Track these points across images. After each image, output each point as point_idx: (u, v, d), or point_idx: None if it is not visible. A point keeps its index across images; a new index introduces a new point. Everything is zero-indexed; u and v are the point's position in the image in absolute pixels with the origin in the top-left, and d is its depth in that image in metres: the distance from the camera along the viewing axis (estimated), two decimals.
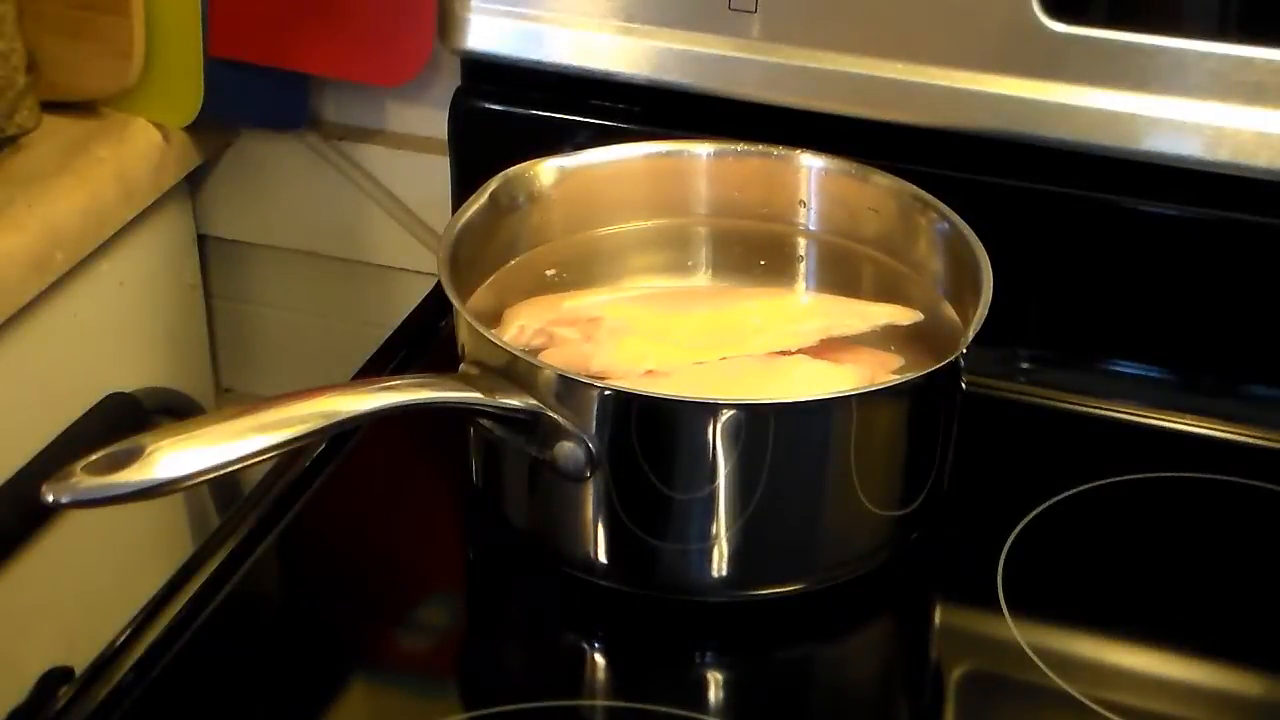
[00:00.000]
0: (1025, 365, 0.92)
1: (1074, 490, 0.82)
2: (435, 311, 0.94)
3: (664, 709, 0.71)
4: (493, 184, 0.84)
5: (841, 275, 0.86)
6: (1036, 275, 0.91)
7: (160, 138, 1.05)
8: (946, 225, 0.82)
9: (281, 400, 0.69)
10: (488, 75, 0.98)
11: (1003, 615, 0.75)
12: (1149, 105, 0.86)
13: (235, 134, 1.13)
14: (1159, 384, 0.91)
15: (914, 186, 0.84)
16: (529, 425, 0.72)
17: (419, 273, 1.11)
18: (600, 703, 0.74)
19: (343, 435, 0.83)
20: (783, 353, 0.78)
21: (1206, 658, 0.76)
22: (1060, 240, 0.91)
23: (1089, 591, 0.78)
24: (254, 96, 1.07)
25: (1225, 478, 0.83)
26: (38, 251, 0.96)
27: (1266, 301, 0.88)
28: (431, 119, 1.06)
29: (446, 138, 1.00)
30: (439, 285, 0.77)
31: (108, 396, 1.02)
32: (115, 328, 1.07)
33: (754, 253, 0.87)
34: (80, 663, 0.72)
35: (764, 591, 0.76)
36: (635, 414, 0.72)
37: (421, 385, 0.73)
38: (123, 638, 0.73)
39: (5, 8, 0.96)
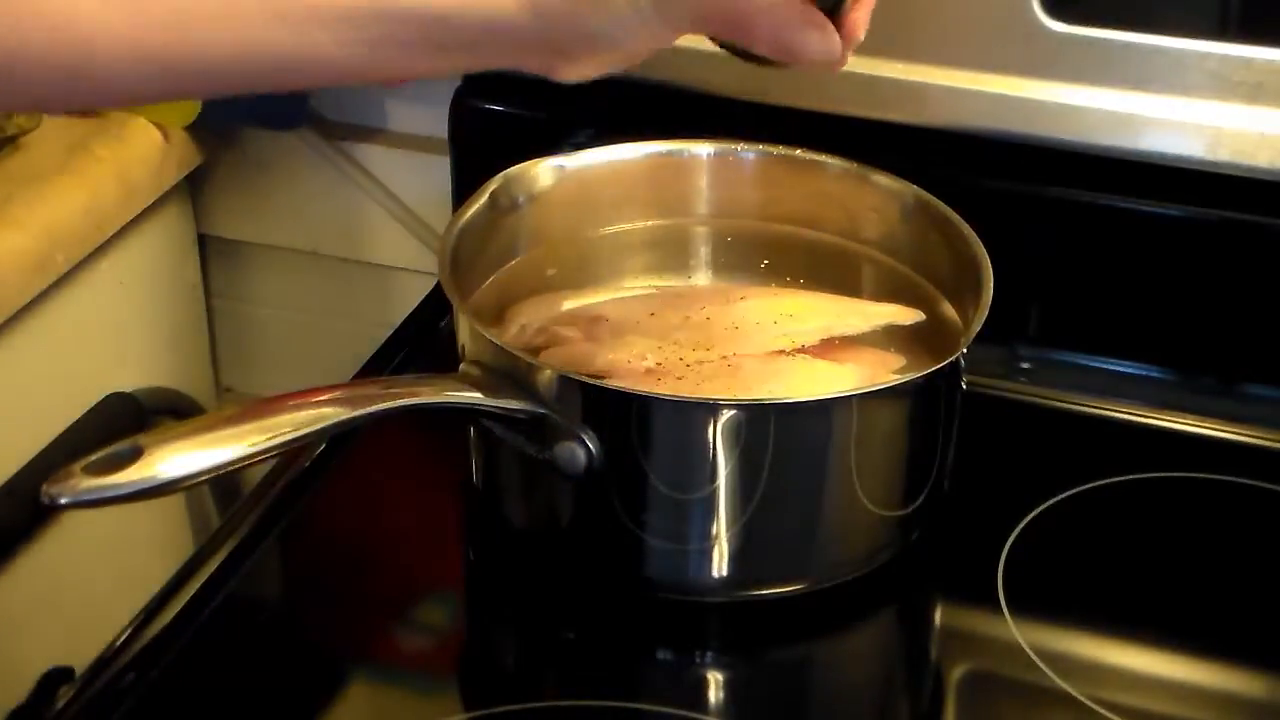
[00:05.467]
0: (1025, 365, 0.92)
1: (1074, 490, 0.82)
2: (435, 311, 0.94)
3: (664, 709, 0.71)
4: (493, 184, 0.84)
5: (842, 275, 0.86)
6: (1036, 275, 0.91)
7: (160, 138, 1.05)
8: (947, 225, 0.82)
9: (281, 400, 0.69)
10: (488, 75, 0.98)
11: (1003, 615, 0.75)
12: (1149, 105, 0.86)
13: (235, 134, 1.13)
14: (1159, 384, 0.91)
15: (915, 187, 0.84)
16: (529, 425, 0.72)
17: (419, 273, 1.11)
18: (600, 703, 0.74)
19: (343, 435, 0.83)
20: (783, 353, 0.78)
21: (1206, 658, 0.76)
22: (1060, 240, 0.91)
23: (1089, 591, 0.78)
24: (254, 96, 1.07)
25: (1225, 478, 0.83)
26: (38, 251, 0.96)
27: (1266, 301, 0.88)
28: (431, 119, 1.06)
29: (446, 138, 1.00)
30: (439, 285, 0.77)
31: (108, 396, 1.02)
32: (115, 328, 1.07)
33: (754, 253, 0.87)
34: (80, 663, 0.72)
35: (764, 591, 0.76)
36: (635, 414, 0.72)
37: (421, 385, 0.73)
38: (123, 638, 0.73)
39: None
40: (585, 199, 0.87)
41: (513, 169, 0.85)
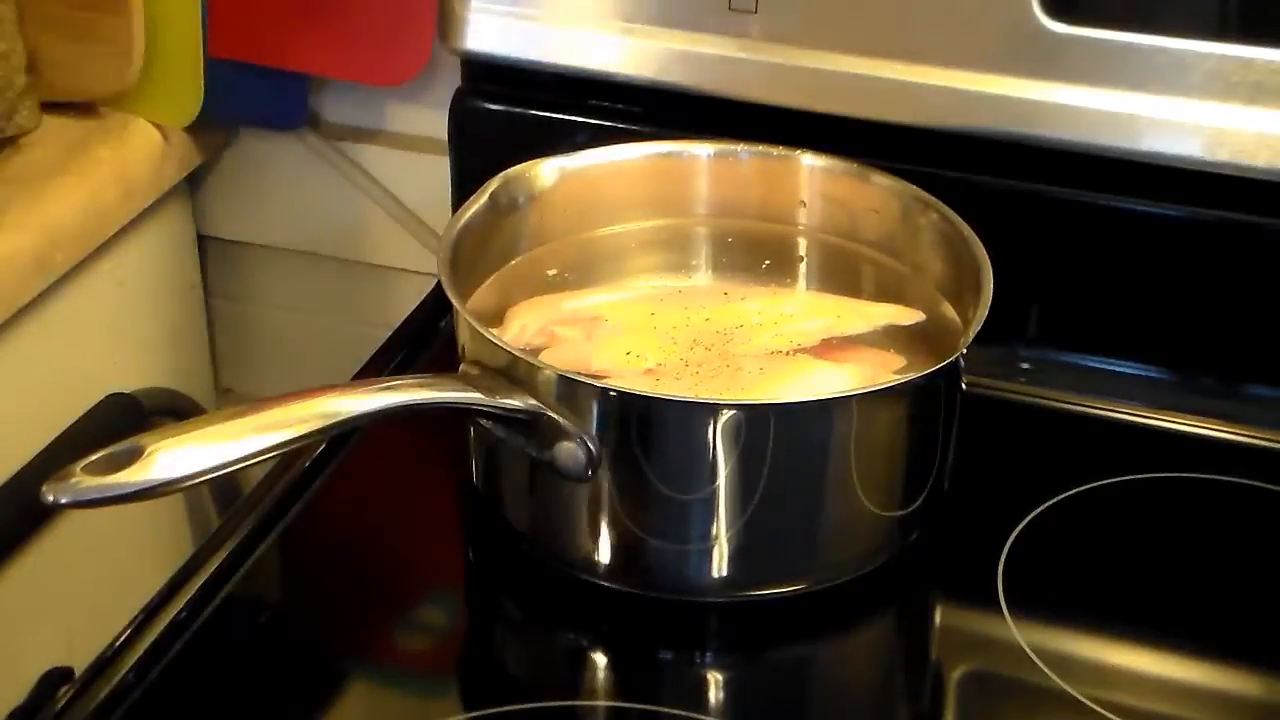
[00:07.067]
0: (1025, 365, 0.92)
1: (1074, 490, 0.82)
2: (435, 311, 0.94)
3: (664, 709, 0.71)
4: (493, 184, 0.84)
5: (842, 275, 0.86)
6: (1036, 275, 0.91)
7: (160, 138, 1.05)
8: (947, 225, 0.82)
9: (281, 400, 0.69)
10: (488, 75, 0.98)
11: (1003, 615, 0.75)
12: (1149, 105, 0.86)
13: (235, 134, 1.13)
14: (1159, 384, 0.91)
15: (915, 187, 0.84)
16: (529, 425, 0.72)
17: (419, 273, 1.11)
18: (600, 703, 0.74)
19: (343, 435, 0.83)
20: (783, 353, 0.78)
21: (1206, 658, 0.76)
22: (1059, 240, 0.91)
23: (1089, 591, 0.78)
24: (254, 96, 1.07)
25: (1225, 478, 0.83)
26: (38, 251, 0.96)
27: (1266, 301, 0.88)
28: (431, 119, 1.06)
29: (446, 138, 1.00)
30: (439, 285, 0.77)
31: (108, 396, 1.01)
32: (115, 328, 1.07)
33: (755, 253, 0.87)
34: (80, 663, 0.72)
35: (764, 591, 0.76)
36: (635, 414, 0.72)
37: (421, 385, 0.73)
38: (123, 638, 0.73)
39: (5, 9, 0.96)
40: (585, 199, 0.87)
41: (513, 169, 0.85)
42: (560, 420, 0.72)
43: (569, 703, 0.73)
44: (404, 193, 1.11)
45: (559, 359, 0.77)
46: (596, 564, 0.76)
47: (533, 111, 0.98)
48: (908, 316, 0.81)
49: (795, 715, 0.73)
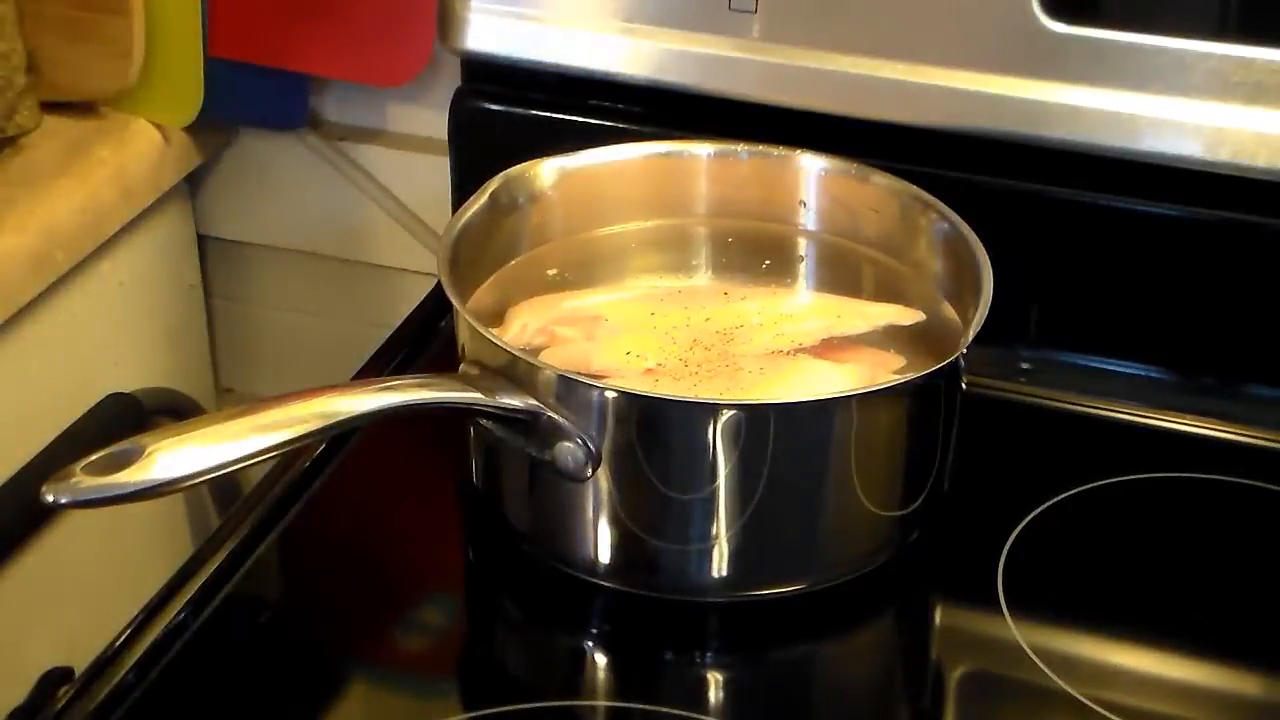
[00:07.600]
0: (1025, 365, 0.92)
1: (1074, 490, 0.82)
2: (435, 311, 0.94)
3: (664, 709, 0.71)
4: (493, 184, 0.84)
5: (842, 275, 0.86)
6: (1036, 275, 0.91)
7: (160, 138, 1.05)
8: (947, 225, 0.82)
9: (281, 400, 0.69)
10: (488, 75, 0.98)
11: (1003, 615, 0.75)
12: (1149, 105, 0.86)
13: (235, 134, 1.13)
14: (1159, 384, 0.91)
15: (914, 187, 0.84)
16: (529, 425, 0.72)
17: (419, 273, 1.11)
18: (600, 703, 0.74)
19: (343, 435, 0.83)
20: (783, 353, 0.78)
21: (1206, 658, 0.76)
22: (1060, 240, 0.91)
23: (1089, 591, 0.78)
24: (254, 96, 1.07)
25: (1225, 478, 0.83)
26: (38, 251, 0.96)
27: (1266, 301, 0.88)
28: (431, 119, 1.06)
29: (446, 138, 1.00)
30: (439, 285, 0.77)
31: (108, 396, 1.01)
32: (115, 328, 1.07)
33: (755, 253, 0.87)
34: (80, 663, 0.72)
35: (764, 591, 0.76)
36: (635, 414, 0.72)
37: (421, 385, 0.73)
38: (123, 638, 0.73)
39: (5, 8, 0.96)
40: (585, 199, 0.87)
41: (513, 169, 0.85)
42: (560, 420, 0.72)
43: (569, 703, 0.73)
44: (404, 193, 1.11)
45: (559, 359, 0.77)
46: (596, 564, 0.76)
47: (533, 111, 0.98)
48: (908, 316, 0.81)
49: (795, 715, 0.73)
